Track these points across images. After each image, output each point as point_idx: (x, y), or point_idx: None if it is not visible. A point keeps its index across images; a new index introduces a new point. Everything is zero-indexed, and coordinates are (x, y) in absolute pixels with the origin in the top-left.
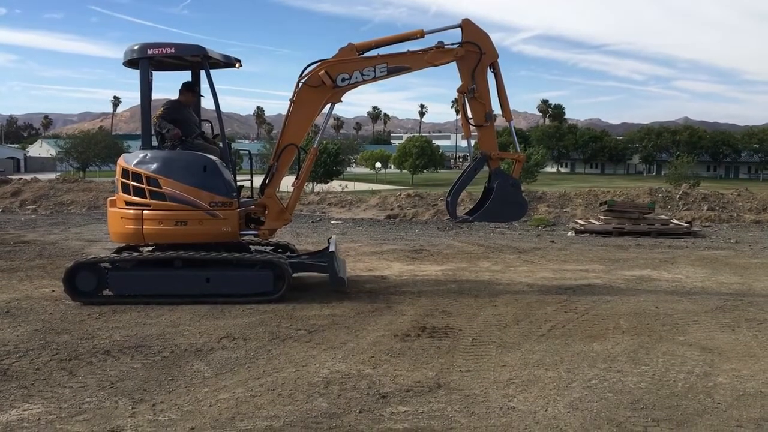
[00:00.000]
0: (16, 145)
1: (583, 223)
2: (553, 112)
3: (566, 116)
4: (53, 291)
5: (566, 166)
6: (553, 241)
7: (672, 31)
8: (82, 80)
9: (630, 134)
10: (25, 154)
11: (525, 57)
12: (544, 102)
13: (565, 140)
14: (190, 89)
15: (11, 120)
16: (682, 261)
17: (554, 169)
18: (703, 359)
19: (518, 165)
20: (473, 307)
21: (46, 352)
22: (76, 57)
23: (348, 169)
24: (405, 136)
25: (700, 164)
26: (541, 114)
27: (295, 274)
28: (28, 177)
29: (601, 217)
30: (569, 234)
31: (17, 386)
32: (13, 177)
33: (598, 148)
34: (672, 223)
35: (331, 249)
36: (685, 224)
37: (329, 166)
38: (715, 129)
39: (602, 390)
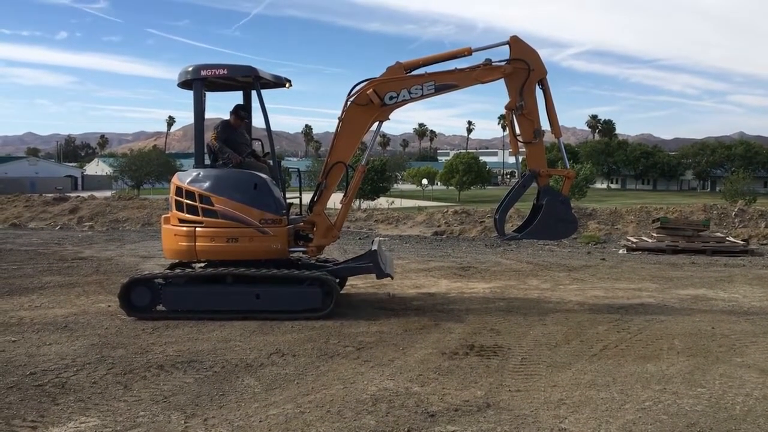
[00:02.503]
0: (74, 164)
1: (635, 240)
2: (602, 127)
3: (616, 131)
4: (109, 306)
5: (617, 183)
6: (604, 259)
7: (725, 45)
8: (138, 100)
9: (683, 150)
10: (82, 173)
11: (574, 72)
12: (593, 117)
13: (615, 156)
14: (236, 112)
15: (69, 139)
16: (739, 280)
17: (604, 186)
18: (761, 381)
19: (567, 182)
20: (522, 326)
21: (103, 366)
22: (133, 78)
23: (394, 185)
24: (451, 153)
25: (756, 180)
26: (590, 129)
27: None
28: (85, 195)
29: (654, 235)
30: (621, 252)
31: (75, 399)
32: (71, 195)
33: (650, 164)
34: (728, 240)
35: (374, 248)
36: (742, 242)
37: (376, 182)
38: None
39: (657, 412)
